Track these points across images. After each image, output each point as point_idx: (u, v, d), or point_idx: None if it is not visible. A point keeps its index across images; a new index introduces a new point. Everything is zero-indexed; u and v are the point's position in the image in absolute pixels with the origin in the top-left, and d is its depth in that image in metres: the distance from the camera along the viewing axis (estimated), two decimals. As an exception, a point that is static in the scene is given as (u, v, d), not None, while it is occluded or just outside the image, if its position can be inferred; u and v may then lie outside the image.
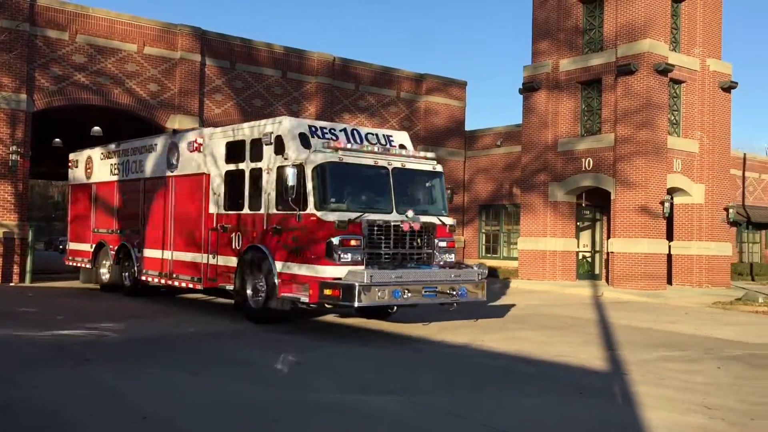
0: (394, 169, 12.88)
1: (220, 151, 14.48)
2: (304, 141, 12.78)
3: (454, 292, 12.16)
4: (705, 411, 7.49)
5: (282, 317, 13.20)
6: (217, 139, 14.66)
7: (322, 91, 28.93)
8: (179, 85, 25.13)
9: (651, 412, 7.34)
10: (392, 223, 12.40)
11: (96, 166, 19.45)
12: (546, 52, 27.81)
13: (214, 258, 14.49)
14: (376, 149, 12.83)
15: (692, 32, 26.78)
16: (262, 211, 13.22)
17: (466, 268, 12.85)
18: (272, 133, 13.04)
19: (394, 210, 12.57)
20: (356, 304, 11.32)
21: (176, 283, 15.77)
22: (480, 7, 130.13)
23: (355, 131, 13.81)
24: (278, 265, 12.67)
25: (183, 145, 15.63)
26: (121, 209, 18.24)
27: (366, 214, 12.12)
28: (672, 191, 25.85)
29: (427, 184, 13.56)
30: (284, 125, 12.94)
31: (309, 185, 12.10)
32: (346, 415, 7.06)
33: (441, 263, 13.01)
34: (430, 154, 13.53)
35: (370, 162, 12.66)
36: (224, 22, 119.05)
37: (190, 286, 15.35)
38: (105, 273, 19.04)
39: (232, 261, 13.91)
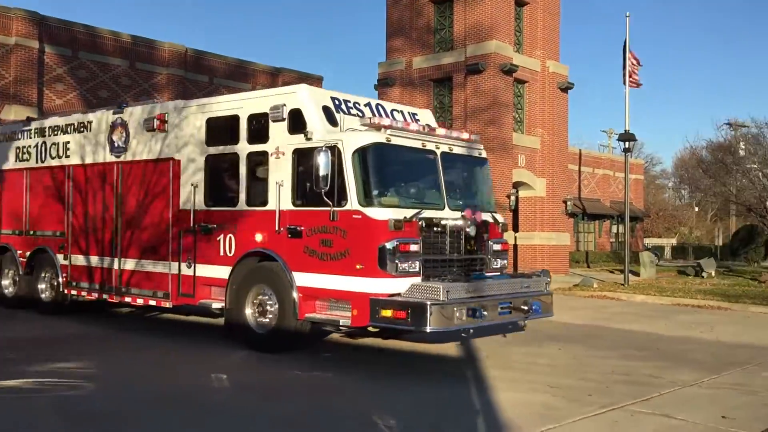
0: (443, 153, 10.27)
1: (198, 131, 11.24)
2: (330, 116, 9.91)
3: (526, 308, 9.74)
4: (548, 390, 8.21)
5: (295, 343, 10.25)
6: (192, 115, 11.39)
7: (174, 84, 27.83)
8: (15, 73, 23.86)
9: (501, 394, 7.92)
10: (449, 223, 9.81)
11: (-9, 150, 15.33)
12: (400, 50, 28.75)
13: (189, 267, 11.24)
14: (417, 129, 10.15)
15: (533, 35, 28.58)
16: (270, 207, 10.18)
17: (531, 276, 10.46)
18: (284, 105, 10.02)
19: (446, 205, 9.98)
20: (428, 329, 8.66)
21: (128, 299, 12.30)
22: (339, 4, 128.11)
23: (380, 106, 11.05)
24: (298, 277, 9.74)
25: (135, 123, 12.19)
26: (34, 204, 14.34)
27: (422, 211, 9.46)
28: (517, 185, 27.63)
29: (474, 173, 11.04)
30: (302, 95, 9.97)
31: (349, 173, 9.26)
32: None
33: (499, 271, 10.59)
34: (474, 137, 11.01)
35: (418, 145, 9.98)
36: (68, 8, 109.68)
37: (152, 303, 11.96)
38: (8, 286, 15.03)
39: (221, 271, 10.75)
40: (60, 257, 13.57)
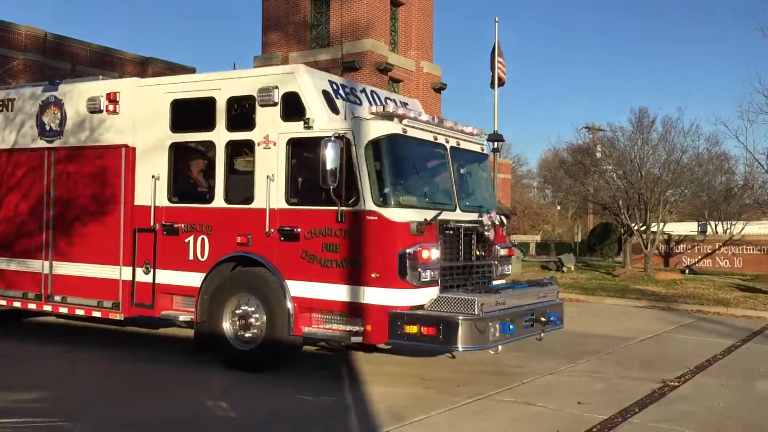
0: (452, 148, 9.26)
1: (160, 114, 9.64)
2: (330, 103, 8.68)
3: (545, 319, 8.91)
4: (420, 382, 8.46)
5: (285, 361, 8.94)
6: (153, 95, 9.77)
7: (32, 70, 26.47)
8: None
9: (374, 387, 8.05)
10: (464, 225, 8.83)
11: None
12: (276, 44, 29.06)
13: (147, 272, 9.63)
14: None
15: (408, 36, 29.21)
16: (257, 204, 8.80)
17: (545, 284, 9.64)
18: (276, 88, 8.67)
19: (457, 205, 8.99)
20: (461, 347, 7.65)
21: (63, 309, 10.46)
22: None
23: (374, 93, 9.87)
24: (293, 287, 8.45)
25: (76, 103, 10.37)
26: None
27: (441, 213, 8.42)
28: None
29: (478, 170, 10.08)
30: (302, 77, 8.64)
31: (361, 168, 8.08)
32: None
33: (504, 278, 9.71)
34: (476, 130, 10.05)
35: (430, 138, 8.91)
36: None
37: (96, 314, 10.19)
38: None
39: (190, 278, 9.25)
40: None
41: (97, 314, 10.16)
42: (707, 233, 39.07)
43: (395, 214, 7.96)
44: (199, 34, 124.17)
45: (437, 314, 7.68)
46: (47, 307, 10.59)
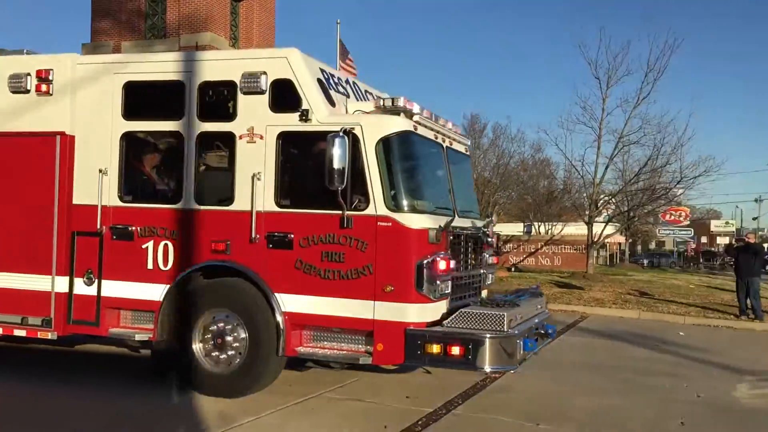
0: (447, 148, 8.57)
1: (108, 98, 8.21)
2: (326, 94, 7.71)
3: (543, 332, 8.45)
4: None
5: (267, 383, 7.86)
6: (98, 75, 8.32)
7: None
8: None
9: None
10: (465, 233, 8.17)
11: None
12: (107, 33, 27.83)
13: (90, 283, 8.18)
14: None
15: (249, 31, 29.06)
16: (238, 206, 7.65)
17: (538, 294, 9.17)
18: (264, 73, 7.57)
19: (455, 210, 8.33)
20: (488, 368, 6.99)
21: (-27, 328, 8.68)
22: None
23: (356, 86, 8.97)
24: (286, 301, 7.42)
25: (-8, 80, 8.67)
26: None
27: (449, 219, 7.72)
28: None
29: (465, 172, 9.43)
30: (297, 63, 7.58)
31: (372, 168, 7.19)
32: None
33: (489, 288, 9.16)
34: (458, 127, 9.40)
35: (431, 136, 8.17)
36: None
37: (19, 332, 8.51)
38: None
39: (149, 291, 7.93)
40: None
41: (20, 333, 8.50)
42: (531, 233, 41.68)
43: (412, 220, 7.16)
44: (23, 19, 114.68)
45: (467, 332, 6.95)
46: (-55, 326, 8.75)
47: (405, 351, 7.04)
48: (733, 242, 24.41)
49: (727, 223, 79.57)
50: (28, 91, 8.44)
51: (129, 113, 8.14)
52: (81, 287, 8.22)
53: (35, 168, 8.44)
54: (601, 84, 28.40)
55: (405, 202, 7.25)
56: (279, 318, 7.39)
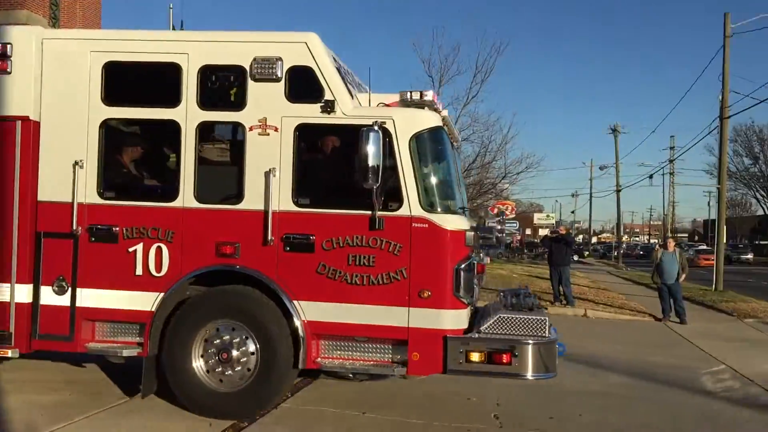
0: (453, 144, 8.23)
1: (83, 79, 7.15)
2: (346, 84, 7.14)
3: None
4: (68, 387, 7.85)
5: (278, 403, 7.19)
6: (70, 53, 7.22)
7: None
8: None
9: (17, 396, 7.34)
10: (478, 234, 7.89)
11: None
12: None
13: (62, 292, 7.10)
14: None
15: (72, 11, 26.27)
16: (248, 205, 6.91)
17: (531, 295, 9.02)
18: (280, 60, 6.88)
19: (465, 210, 8.05)
20: (531, 376, 6.75)
21: None
22: None
23: (355, 77, 8.38)
24: (305, 308, 6.80)
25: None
26: None
27: (479, 219, 7.42)
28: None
29: (460, 170, 9.10)
30: (318, 49, 6.93)
31: (405, 165, 6.71)
32: None
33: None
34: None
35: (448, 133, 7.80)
36: None
37: (-32, 351, 7.24)
38: None
39: (137, 300, 7.01)
40: None
41: (-32, 352, 7.24)
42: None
43: (449, 221, 6.77)
44: None
45: (513, 338, 6.67)
46: None
47: (444, 360, 6.66)
48: (548, 234, 26.70)
49: (548, 216, 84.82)
50: (-27, 66, 7.18)
51: (110, 98, 7.13)
52: (50, 296, 7.12)
53: (-12, 158, 7.21)
54: (434, 82, 29.21)
55: (440, 202, 6.88)
56: (299, 327, 6.76)
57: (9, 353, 7.15)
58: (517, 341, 6.66)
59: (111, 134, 7.18)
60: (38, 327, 7.15)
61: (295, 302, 6.79)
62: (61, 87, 7.17)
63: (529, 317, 6.83)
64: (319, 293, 6.79)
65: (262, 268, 6.85)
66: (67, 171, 7.11)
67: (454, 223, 6.80)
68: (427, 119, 6.91)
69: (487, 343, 6.65)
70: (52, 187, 7.15)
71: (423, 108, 7.10)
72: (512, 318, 6.83)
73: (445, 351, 6.64)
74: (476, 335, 6.72)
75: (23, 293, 7.13)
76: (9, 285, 7.15)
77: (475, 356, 6.61)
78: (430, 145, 6.96)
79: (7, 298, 7.15)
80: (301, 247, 6.81)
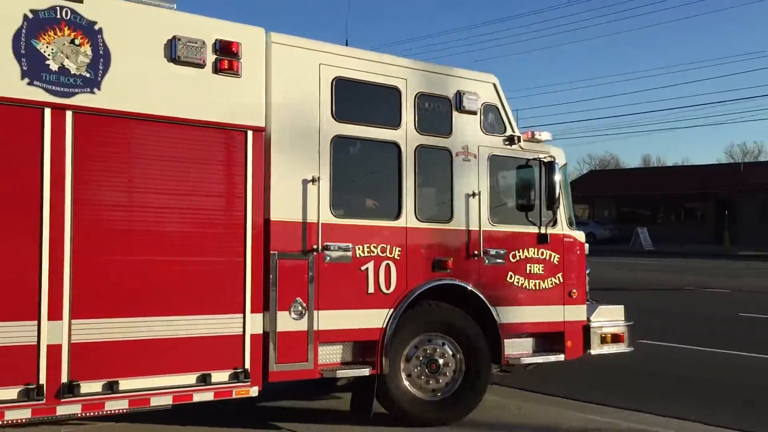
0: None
1: (312, 90, 6.84)
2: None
3: None
4: None
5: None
6: (298, 61, 6.79)
7: None
8: None
9: None
10: None
11: None
12: None
13: (300, 317, 6.67)
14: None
15: None
16: (456, 224, 7.65)
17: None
18: (475, 94, 7.82)
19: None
20: (630, 349, 9.04)
21: (119, 405, 5.73)
22: None
23: None
24: (500, 313, 7.91)
25: (127, 32, 5.93)
26: None
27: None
28: None
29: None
30: (500, 89, 8.04)
31: (561, 193, 8.40)
32: None
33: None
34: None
35: None
36: None
37: (202, 397, 6.08)
38: None
39: (371, 318, 7.08)
40: None
41: (204, 398, 6.14)
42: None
43: (581, 235, 8.69)
44: None
45: (622, 322, 8.88)
46: (66, 410, 5.58)
47: (584, 344, 8.55)
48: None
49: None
50: (201, 66, 6.20)
51: (340, 114, 6.96)
52: (287, 322, 6.60)
53: (213, 172, 6.29)
54: None
55: (571, 220, 8.72)
56: (499, 329, 7.82)
57: (250, 392, 6.37)
58: (623, 324, 8.96)
59: (340, 150, 6.99)
60: (276, 357, 6.53)
61: (492, 308, 7.82)
62: (290, 97, 6.69)
63: (618, 306, 9.18)
64: (508, 299, 7.96)
65: (470, 281, 7.68)
66: (298, 187, 6.70)
67: (582, 236, 8.75)
68: (563, 154, 8.69)
69: (610, 328, 8.79)
70: (284, 204, 6.62)
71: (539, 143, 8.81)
72: (605, 308, 9.07)
73: (587, 337, 8.54)
74: (599, 322, 8.77)
75: (258, 322, 6.43)
76: (241, 315, 6.35)
77: (607, 338, 8.68)
78: (564, 174, 8.74)
79: (239, 331, 6.34)
80: (497, 260, 7.88)
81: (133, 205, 5.92)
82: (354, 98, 7.11)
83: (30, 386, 5.43)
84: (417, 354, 7.39)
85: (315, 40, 6.95)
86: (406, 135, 7.34)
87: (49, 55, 5.55)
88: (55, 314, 5.53)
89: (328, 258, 6.82)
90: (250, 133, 6.41)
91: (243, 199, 6.37)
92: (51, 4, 5.59)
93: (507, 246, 7.96)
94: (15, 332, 5.41)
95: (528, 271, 8.11)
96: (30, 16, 5.50)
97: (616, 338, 8.76)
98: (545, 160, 8.15)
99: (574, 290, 8.45)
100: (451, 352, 7.52)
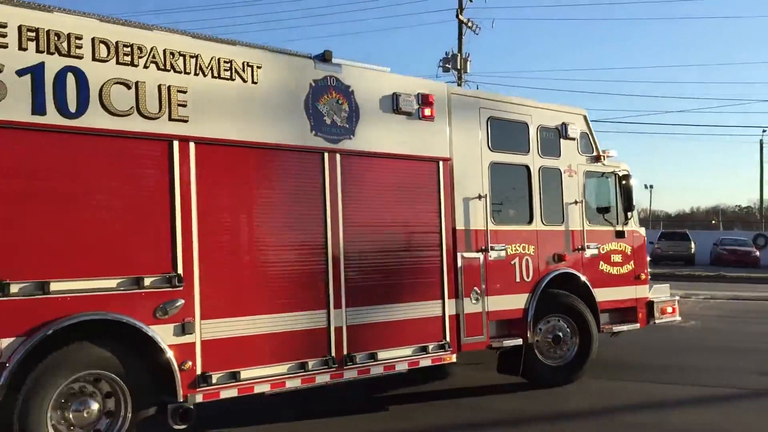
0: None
1: (474, 129, 8.98)
2: None
3: None
4: None
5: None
6: (467, 107, 8.91)
7: None
8: None
9: None
10: None
11: None
12: None
13: (477, 301, 8.80)
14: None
15: None
16: (566, 226, 9.93)
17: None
18: (573, 125, 10.10)
19: None
20: (681, 319, 11.56)
21: (377, 371, 7.73)
22: None
23: None
24: (597, 294, 10.23)
25: (366, 93, 7.94)
26: (39, 214, 5.71)
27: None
28: None
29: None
30: (588, 119, 10.37)
31: (631, 198, 10.82)
32: None
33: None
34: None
35: None
36: None
37: (424, 362, 8.11)
38: None
39: (518, 300, 9.29)
40: (169, 330, 6.36)
41: (425, 363, 8.20)
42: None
43: (642, 230, 11.12)
44: None
45: (672, 297, 11.36)
46: (350, 374, 7.55)
47: (647, 316, 10.97)
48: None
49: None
50: (411, 114, 8.25)
51: (493, 145, 9.12)
52: (469, 306, 8.71)
53: (418, 192, 8.35)
54: None
55: (636, 219, 11.14)
56: (598, 307, 10.15)
57: (453, 358, 8.46)
58: (676, 299, 11.45)
59: (494, 173, 9.13)
60: (464, 332, 8.63)
61: (593, 290, 10.13)
62: (462, 133, 8.79)
63: (665, 285, 11.66)
64: (600, 283, 10.28)
65: (578, 270, 9.97)
66: (470, 202, 8.82)
67: (644, 230, 11.18)
68: (628, 167, 11.09)
69: (667, 302, 11.25)
70: (463, 215, 8.72)
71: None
72: (660, 287, 11.53)
73: (650, 310, 10.98)
74: (657, 298, 11.21)
75: (452, 306, 8.52)
76: (441, 301, 8.43)
77: (665, 310, 11.13)
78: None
79: (440, 313, 8.42)
80: (594, 252, 10.21)
81: (381, 220, 7.91)
82: (500, 132, 9.27)
83: (327, 357, 7.36)
84: (545, 329, 9.60)
85: (476, 90, 9.09)
86: (533, 159, 9.57)
87: (324, 112, 7.49)
88: (337, 304, 7.47)
89: (492, 256, 8.97)
90: (441, 163, 8.48)
91: (438, 213, 8.44)
92: (324, 75, 7.53)
93: (598, 241, 10.29)
94: (315, 318, 7.33)
95: (611, 260, 10.47)
96: (313, 84, 7.42)
97: (671, 310, 11.23)
98: (621, 173, 10.53)
99: (642, 273, 10.88)
100: (567, 327, 9.77)
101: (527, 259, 9.37)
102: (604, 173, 10.52)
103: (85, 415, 5.99)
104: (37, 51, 5.74)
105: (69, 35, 5.89)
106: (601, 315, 10.28)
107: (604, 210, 10.47)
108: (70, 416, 5.91)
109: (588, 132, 10.34)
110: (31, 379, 5.64)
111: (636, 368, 10.86)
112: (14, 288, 5.53)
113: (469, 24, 27.84)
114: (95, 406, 6.05)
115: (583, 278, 9.95)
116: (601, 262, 10.31)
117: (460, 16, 27.48)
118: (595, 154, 10.38)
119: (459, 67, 30.45)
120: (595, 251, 10.21)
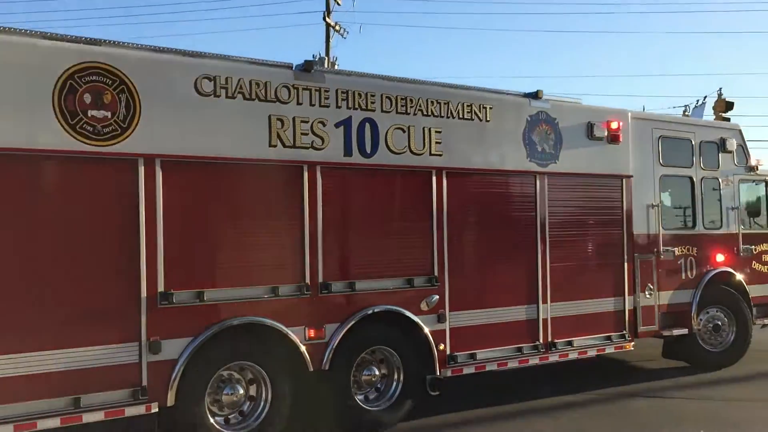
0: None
1: (648, 147, 10.40)
2: None
3: None
4: None
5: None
6: (643, 129, 10.35)
7: None
8: None
9: None
10: None
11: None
12: None
13: (650, 296, 10.27)
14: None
15: None
16: (725, 230, 11.24)
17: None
18: (730, 139, 11.36)
19: None
20: None
21: (573, 355, 9.38)
22: None
23: None
24: (750, 290, 11.50)
25: (567, 124, 9.47)
26: (330, 234, 7.65)
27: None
28: None
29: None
30: (742, 132, 11.61)
31: None
32: None
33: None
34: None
35: None
36: None
37: (609, 349, 9.72)
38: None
39: (683, 295, 10.70)
40: (430, 320, 8.17)
41: (609, 350, 9.79)
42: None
43: (770, 231, 12.32)
44: None
45: None
46: (553, 358, 9.21)
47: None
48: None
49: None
50: (602, 139, 9.72)
51: (663, 160, 10.52)
52: (644, 300, 10.19)
53: (608, 206, 9.85)
54: None
55: (780, 223, 12.33)
56: (751, 302, 11.43)
57: (630, 346, 9.99)
58: None
59: (663, 184, 10.54)
60: (641, 322, 10.13)
61: (747, 287, 11.41)
62: (639, 152, 10.22)
63: None
64: (752, 280, 11.55)
65: (734, 268, 11.27)
66: (644, 211, 10.26)
67: None
68: (768, 174, 12.26)
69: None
70: (639, 222, 10.18)
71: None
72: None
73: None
74: None
75: (631, 300, 10.03)
76: (622, 297, 9.94)
77: None
78: (765, 188, 12.30)
79: (622, 307, 9.93)
80: (749, 253, 11.47)
81: (577, 228, 9.48)
82: (668, 148, 10.64)
83: (537, 343, 9.02)
84: (706, 319, 10.98)
85: (649, 112, 10.50)
86: (696, 171, 10.91)
87: (537, 142, 9.08)
88: (544, 300, 9.11)
89: (663, 256, 10.40)
90: (624, 180, 9.95)
91: (621, 221, 9.93)
92: (536, 110, 9.11)
93: (753, 243, 11.55)
94: (529, 311, 9.00)
95: (763, 260, 11.71)
96: (529, 119, 9.00)
97: None
98: None
99: None
100: (725, 317, 11.12)
101: (691, 259, 10.75)
102: (755, 181, 11.72)
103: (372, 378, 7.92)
104: (347, 108, 7.57)
105: (366, 94, 7.69)
106: (754, 309, 11.57)
107: (755, 214, 11.67)
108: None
109: (742, 144, 11.56)
110: (348, 350, 7.61)
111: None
112: (360, 285, 7.72)
113: (337, 27, 28.37)
114: (377, 373, 7.96)
115: (739, 276, 11.24)
116: (754, 262, 11.56)
117: (327, 19, 27.95)
118: (747, 164, 11.60)
119: (327, 70, 30.41)
120: (749, 253, 11.46)
